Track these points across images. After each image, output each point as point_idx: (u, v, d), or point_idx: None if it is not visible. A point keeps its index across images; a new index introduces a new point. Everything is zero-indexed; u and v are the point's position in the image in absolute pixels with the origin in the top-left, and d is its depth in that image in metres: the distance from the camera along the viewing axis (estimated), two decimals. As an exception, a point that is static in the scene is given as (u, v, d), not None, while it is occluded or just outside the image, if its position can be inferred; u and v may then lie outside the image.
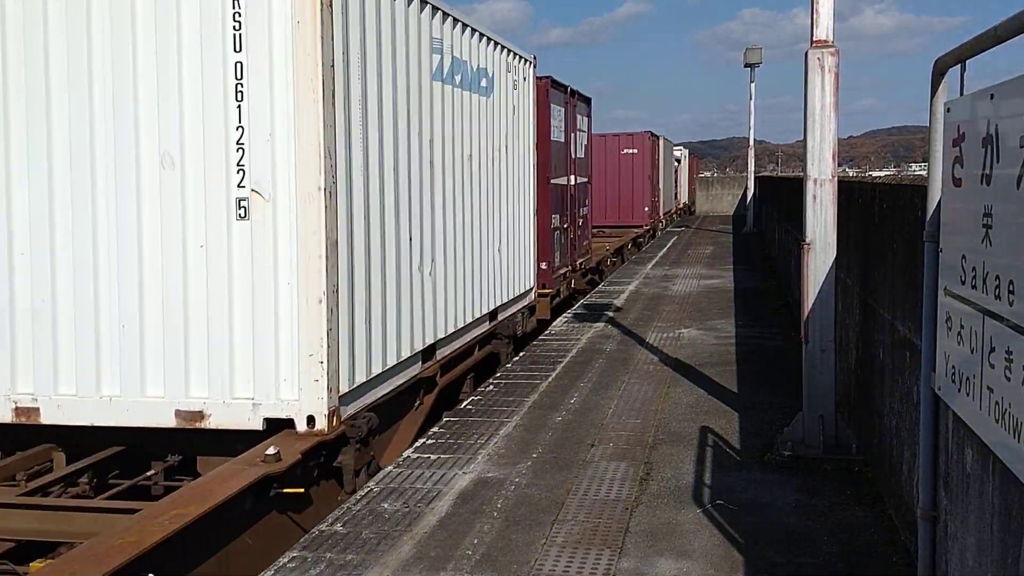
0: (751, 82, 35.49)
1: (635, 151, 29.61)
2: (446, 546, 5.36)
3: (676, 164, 46.16)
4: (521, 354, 11.31)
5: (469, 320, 10.21)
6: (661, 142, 34.58)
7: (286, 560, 5.21)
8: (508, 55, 11.93)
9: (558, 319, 14.01)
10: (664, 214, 37.52)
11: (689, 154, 54.47)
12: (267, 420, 6.47)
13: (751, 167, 37.22)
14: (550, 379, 9.70)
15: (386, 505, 6.05)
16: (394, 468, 6.83)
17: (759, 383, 9.39)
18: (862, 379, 6.91)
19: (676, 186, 47.00)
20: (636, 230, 28.81)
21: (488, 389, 9.32)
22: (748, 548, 5.29)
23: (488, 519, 5.77)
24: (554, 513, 5.85)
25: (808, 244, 6.84)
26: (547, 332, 12.87)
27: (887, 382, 5.79)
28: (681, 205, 50.41)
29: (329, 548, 5.35)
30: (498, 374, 10.19)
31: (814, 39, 6.76)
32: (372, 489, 6.37)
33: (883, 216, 6.03)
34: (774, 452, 6.96)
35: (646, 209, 29.98)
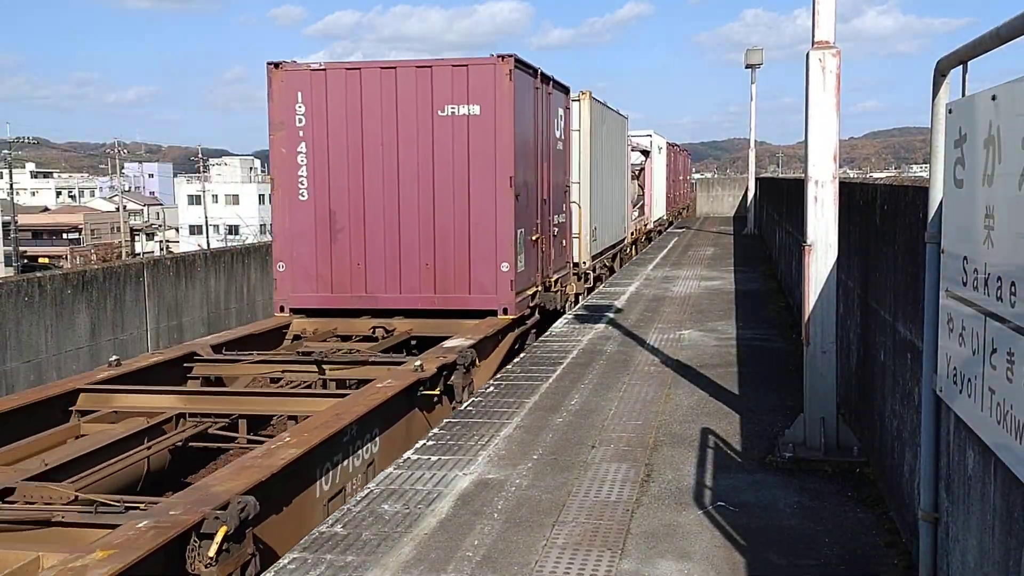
0: (752, 83, 35.47)
1: (476, 111, 12.22)
2: (446, 548, 5.35)
3: (643, 159, 30.88)
4: (522, 355, 11.30)
5: None
6: (583, 105, 18.10)
7: (286, 561, 5.20)
8: None
9: (559, 320, 14.00)
10: (596, 258, 19.85)
11: (668, 145, 37.33)
12: None
13: (752, 168, 37.18)
14: (551, 380, 9.69)
15: (386, 506, 6.04)
16: (394, 469, 6.82)
17: (760, 385, 9.38)
18: (863, 381, 6.90)
19: (644, 196, 31.49)
20: (453, 347, 10.08)
21: (488, 390, 9.31)
22: (749, 550, 5.28)
23: (489, 520, 5.76)
24: (555, 515, 5.84)
25: (809, 245, 6.84)
26: (548, 333, 12.86)
27: (888, 383, 5.78)
28: (650, 227, 33.43)
29: (329, 549, 5.34)
30: (498, 375, 10.18)
31: (815, 40, 6.75)
32: (372, 490, 6.36)
33: (885, 217, 6.03)
34: (775, 454, 6.95)
35: (506, 269, 12.35)
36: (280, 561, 5.23)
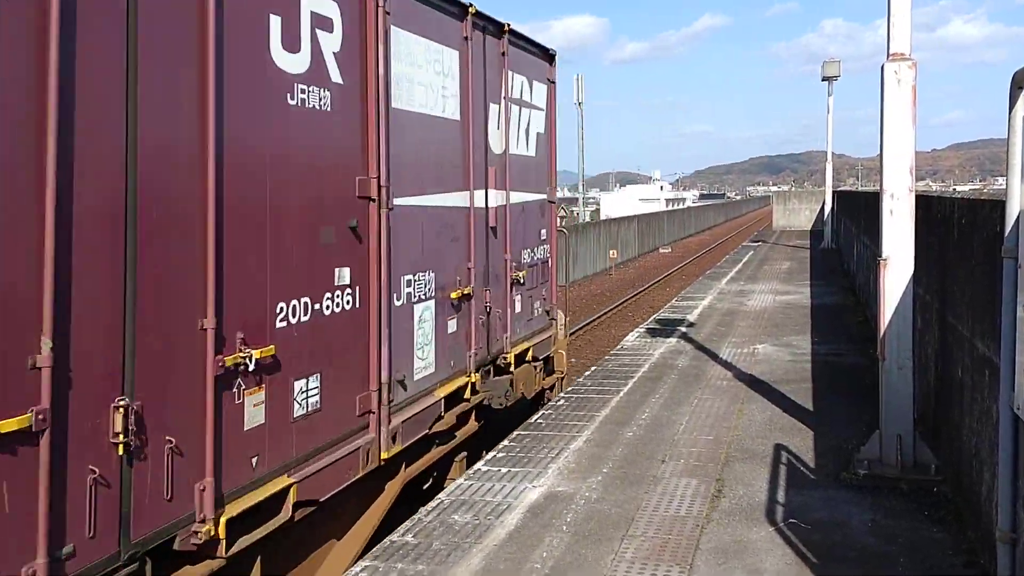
0: (829, 95, 34.88)
1: None
2: (515, 559, 5.41)
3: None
4: (592, 369, 11.31)
5: None
6: None
7: (358, 569, 5.32)
8: None
9: (630, 334, 13.97)
10: None
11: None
12: None
13: (829, 181, 36.50)
14: (621, 394, 9.69)
15: (456, 517, 6.12)
16: (464, 480, 6.91)
17: (836, 401, 9.23)
18: (941, 397, 6.76)
19: None
20: None
21: (559, 403, 9.35)
22: (822, 568, 5.22)
23: (557, 533, 5.80)
24: (624, 528, 5.85)
25: (885, 260, 6.73)
26: (619, 347, 12.85)
27: (966, 401, 5.66)
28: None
29: (400, 559, 5.45)
30: (569, 388, 10.22)
31: (891, 52, 6.67)
32: (443, 501, 6.45)
33: (962, 231, 5.91)
34: (850, 471, 6.84)
35: None
36: (352, 569, 5.36)
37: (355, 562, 5.82)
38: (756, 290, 19.65)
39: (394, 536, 5.83)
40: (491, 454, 7.63)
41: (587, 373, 11.08)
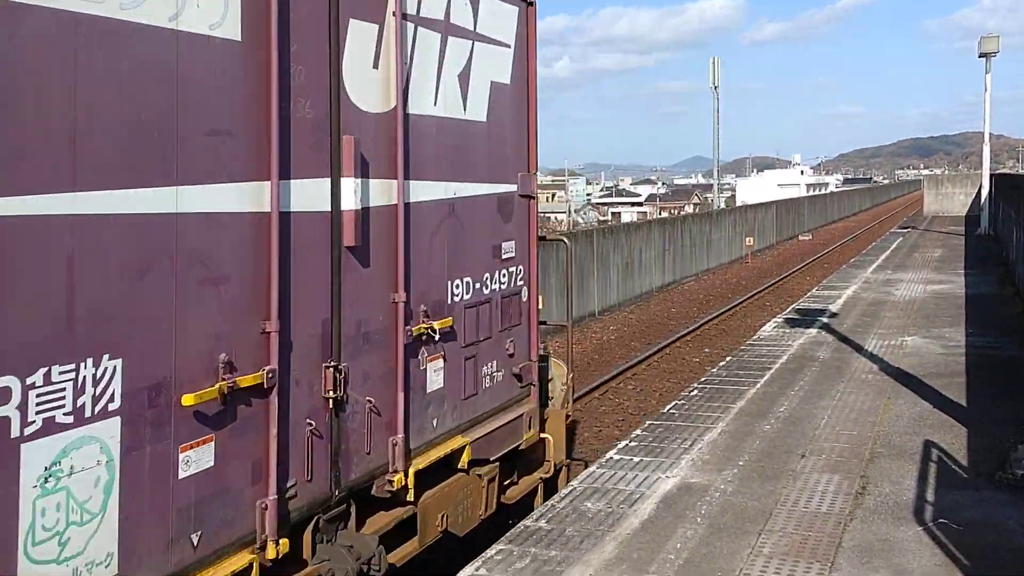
0: (986, 72, 32.90)
1: None
2: (649, 548, 5.35)
3: None
4: (727, 359, 11.07)
5: None
6: None
7: (493, 552, 5.38)
8: None
9: (767, 324, 13.60)
10: None
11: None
12: None
13: (986, 164, 34.47)
14: (758, 386, 9.44)
15: (589, 504, 6.11)
16: (597, 468, 6.89)
17: (991, 397, 8.73)
18: (1112, 395, 6.29)
19: None
20: None
21: (692, 394, 9.20)
22: (973, 569, 4.95)
23: (691, 524, 5.71)
24: (761, 523, 5.71)
25: (1048, 247, 6.30)
26: (755, 337, 12.53)
27: None
28: None
29: (534, 543, 5.48)
30: (702, 379, 10.04)
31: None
32: (575, 488, 6.46)
33: None
34: (1006, 471, 6.47)
35: None
36: (487, 552, 5.42)
37: None
38: (905, 279, 18.79)
39: (528, 521, 5.88)
40: (623, 443, 7.58)
41: (721, 364, 10.85)
